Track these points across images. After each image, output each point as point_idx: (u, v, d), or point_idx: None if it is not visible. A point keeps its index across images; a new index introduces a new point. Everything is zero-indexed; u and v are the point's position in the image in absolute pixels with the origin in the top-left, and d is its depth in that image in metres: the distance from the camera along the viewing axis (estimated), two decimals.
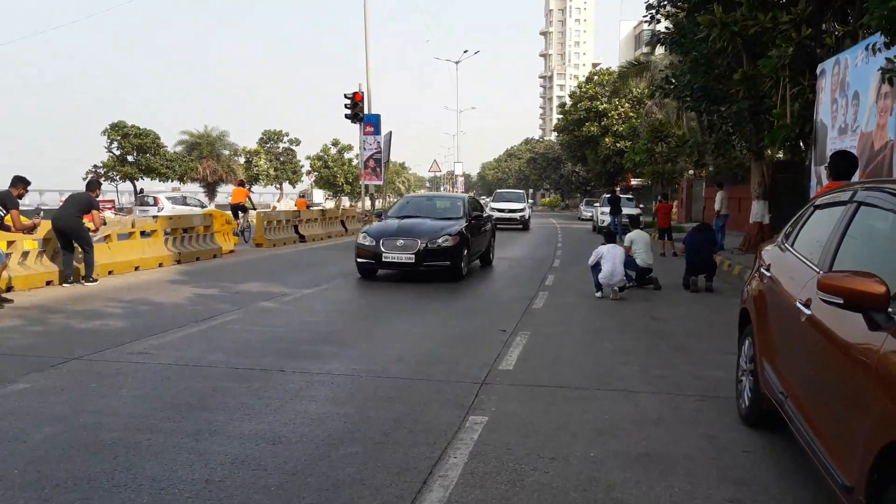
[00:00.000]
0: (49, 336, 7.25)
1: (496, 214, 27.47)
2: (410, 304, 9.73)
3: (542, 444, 4.25)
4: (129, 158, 48.00)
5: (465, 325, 8.23)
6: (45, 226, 11.05)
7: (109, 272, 12.45)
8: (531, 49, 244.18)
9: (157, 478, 3.63)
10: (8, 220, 9.78)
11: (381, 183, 31.55)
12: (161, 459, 3.89)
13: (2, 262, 9.10)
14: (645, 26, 79.49)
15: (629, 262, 11.00)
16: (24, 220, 10.33)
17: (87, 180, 12.39)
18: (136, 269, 13.37)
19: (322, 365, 6.13)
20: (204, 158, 55.68)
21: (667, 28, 21.27)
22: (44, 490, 3.46)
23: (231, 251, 17.41)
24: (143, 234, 14.42)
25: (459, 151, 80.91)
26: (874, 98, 9.23)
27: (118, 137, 46.78)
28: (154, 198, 34.05)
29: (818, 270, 3.49)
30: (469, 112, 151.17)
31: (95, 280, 11.33)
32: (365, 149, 30.18)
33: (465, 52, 73.92)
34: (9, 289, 9.90)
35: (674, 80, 19.82)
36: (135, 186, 48.28)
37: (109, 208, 33.75)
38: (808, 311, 3.34)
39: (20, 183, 9.94)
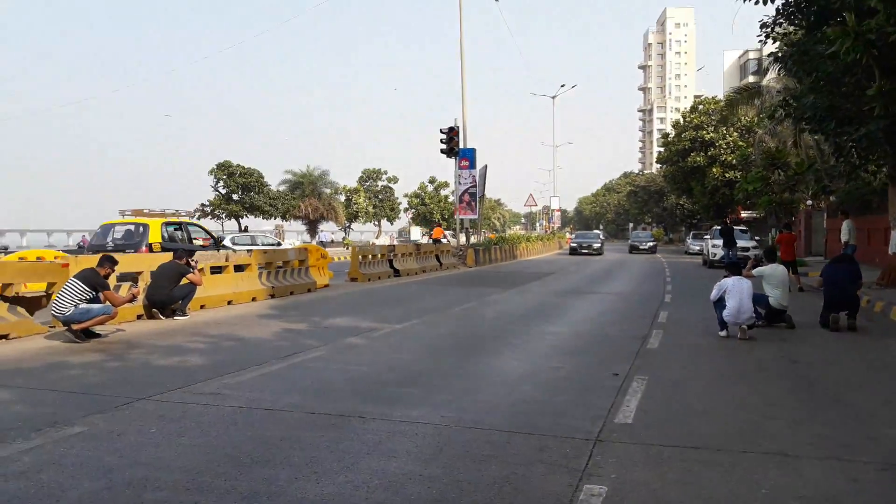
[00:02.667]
0: (124, 373, 6.85)
1: None
2: (507, 340, 8.83)
3: None
4: (234, 197, 49.87)
5: (569, 367, 7.24)
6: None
7: (202, 306, 12.27)
8: (629, 83, 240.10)
9: None
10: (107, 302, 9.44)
11: (476, 217, 31.00)
12: None
13: (108, 313, 8.93)
14: (751, 55, 76.33)
15: (758, 298, 9.65)
16: (123, 293, 10.01)
17: (174, 252, 11.85)
18: (229, 303, 13.18)
19: (407, 411, 5.33)
20: (306, 197, 57.19)
21: (779, 48, 19.70)
22: None
23: (326, 285, 17.13)
24: (237, 268, 14.32)
25: (556, 186, 79.63)
26: None
27: (224, 176, 48.77)
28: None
29: None
30: (565, 147, 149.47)
31: (186, 314, 11.13)
32: (460, 183, 29.78)
33: (563, 86, 72.84)
34: None
35: (793, 102, 18.17)
36: (239, 224, 50.04)
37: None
38: None
39: (107, 262, 9.30)
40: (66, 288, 8.79)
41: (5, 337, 8.74)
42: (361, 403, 5.57)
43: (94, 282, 8.93)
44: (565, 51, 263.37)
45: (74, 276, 8.96)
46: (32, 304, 9.79)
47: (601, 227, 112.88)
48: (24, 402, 5.59)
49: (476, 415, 5.26)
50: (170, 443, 4.50)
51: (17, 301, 9.42)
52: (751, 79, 47.06)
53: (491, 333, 9.68)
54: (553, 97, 64.03)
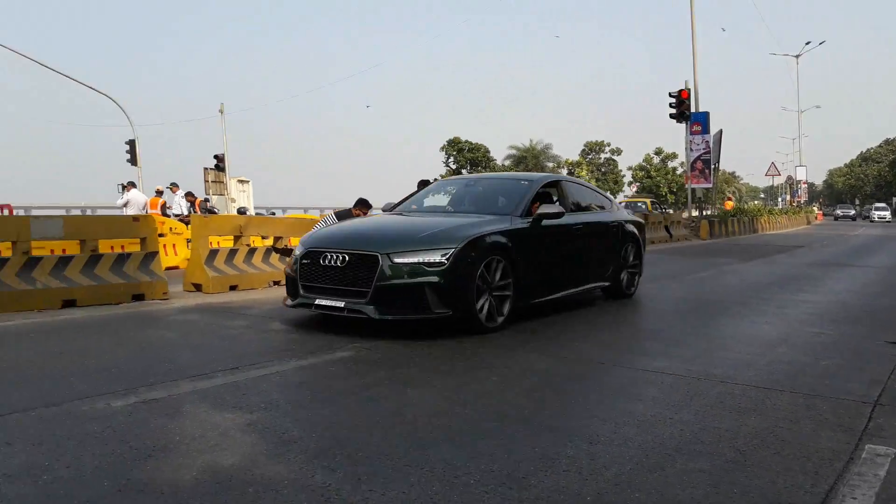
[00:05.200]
0: None
1: None
2: (753, 306, 8.13)
3: None
4: (464, 171, 51.92)
5: (832, 333, 6.47)
6: None
7: None
8: (889, 37, 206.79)
9: (451, 460, 3.05)
10: None
11: (710, 185, 29.06)
12: (458, 443, 3.32)
13: None
14: None
15: None
16: None
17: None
18: None
19: (648, 362, 5.14)
20: (530, 171, 57.85)
21: None
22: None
23: None
24: None
25: (801, 155, 71.65)
26: None
27: (454, 152, 50.92)
28: None
29: None
30: (811, 112, 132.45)
31: None
32: (692, 149, 28.05)
33: (807, 43, 64.60)
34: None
35: None
36: None
37: None
38: None
39: (362, 205, 9.29)
40: (321, 225, 9.32)
41: (278, 283, 9.93)
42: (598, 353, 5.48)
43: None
44: (809, 3, 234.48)
45: (332, 214, 9.57)
46: None
47: (857, 201, 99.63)
48: (296, 331, 6.28)
49: (726, 370, 4.91)
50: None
51: (286, 252, 10.64)
52: None
53: (733, 299, 8.99)
54: (797, 56, 57.60)
